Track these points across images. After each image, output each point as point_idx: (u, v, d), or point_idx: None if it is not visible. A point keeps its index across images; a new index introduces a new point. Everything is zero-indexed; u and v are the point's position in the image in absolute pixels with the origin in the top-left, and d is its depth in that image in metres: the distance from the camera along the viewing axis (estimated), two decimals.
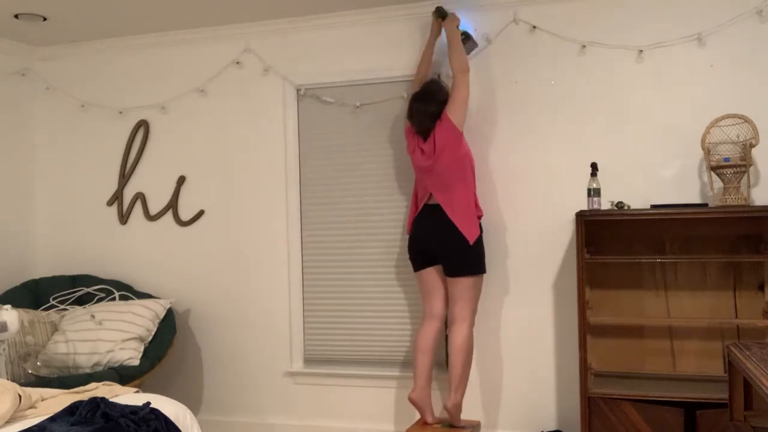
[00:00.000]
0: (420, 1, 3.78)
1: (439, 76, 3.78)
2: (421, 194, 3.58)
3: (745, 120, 3.29)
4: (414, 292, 3.88)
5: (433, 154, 3.43)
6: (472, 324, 3.48)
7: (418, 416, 3.86)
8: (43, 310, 4.05)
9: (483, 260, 3.50)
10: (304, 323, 4.08)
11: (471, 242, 3.40)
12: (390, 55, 3.92)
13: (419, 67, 3.76)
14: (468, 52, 3.63)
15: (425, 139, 3.48)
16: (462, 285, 3.43)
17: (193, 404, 4.27)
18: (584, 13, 3.62)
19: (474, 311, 3.51)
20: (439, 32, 3.71)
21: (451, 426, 3.48)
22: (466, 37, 3.63)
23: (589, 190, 3.31)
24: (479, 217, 3.52)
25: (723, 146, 3.31)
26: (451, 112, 3.43)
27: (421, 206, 3.54)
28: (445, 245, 3.42)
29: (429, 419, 3.51)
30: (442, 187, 3.44)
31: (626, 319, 3.44)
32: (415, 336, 3.59)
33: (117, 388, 2.83)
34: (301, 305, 4.08)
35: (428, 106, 3.45)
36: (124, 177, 4.42)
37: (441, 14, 3.66)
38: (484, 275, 3.57)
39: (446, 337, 3.70)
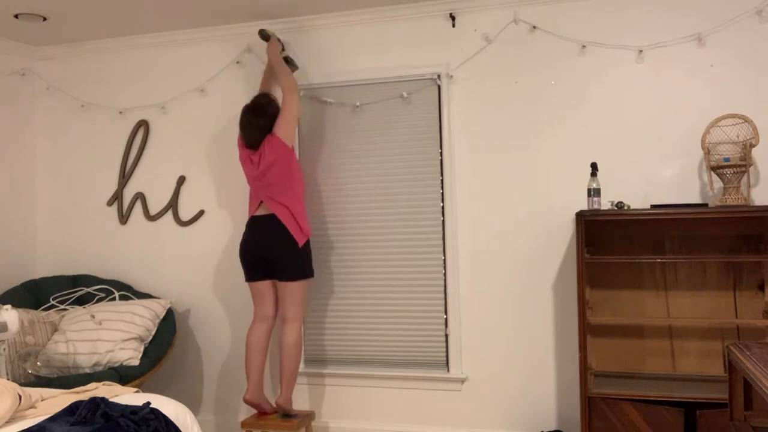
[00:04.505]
0: (421, 1, 3.78)
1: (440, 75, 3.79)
2: (253, 203, 3.73)
3: (745, 120, 3.29)
4: (413, 292, 3.88)
5: (259, 165, 3.60)
6: (301, 324, 3.73)
7: (419, 414, 3.87)
8: (43, 310, 4.05)
9: (311, 265, 3.73)
10: (304, 323, 4.08)
11: (300, 245, 3.61)
12: (390, 55, 3.92)
13: (261, 84, 3.98)
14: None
15: (255, 150, 3.64)
16: (292, 288, 3.66)
17: (193, 404, 4.28)
18: (584, 13, 3.62)
19: (303, 312, 3.77)
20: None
21: (286, 415, 3.71)
22: (288, 61, 3.84)
23: (589, 190, 3.31)
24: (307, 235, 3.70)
25: (723, 146, 3.31)
26: (279, 128, 3.61)
27: (251, 215, 3.71)
28: (275, 251, 3.60)
29: (267, 411, 3.74)
30: (272, 197, 3.62)
31: (626, 319, 3.44)
32: (247, 336, 3.75)
33: (117, 388, 2.83)
34: None
35: (257, 119, 3.61)
36: (124, 177, 4.42)
37: (263, 37, 3.85)
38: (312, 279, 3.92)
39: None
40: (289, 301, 3.66)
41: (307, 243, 3.69)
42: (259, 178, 3.62)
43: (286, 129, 3.62)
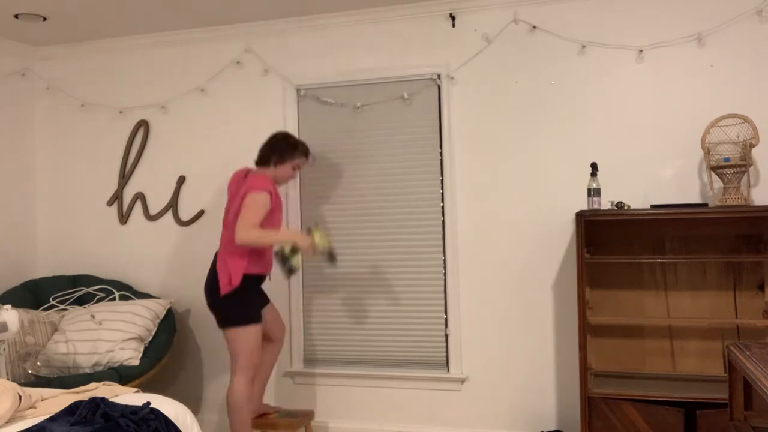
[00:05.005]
0: (421, 1, 3.78)
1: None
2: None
3: (745, 120, 3.29)
4: (413, 292, 3.88)
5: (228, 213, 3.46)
6: (246, 377, 3.34)
7: (419, 414, 3.87)
8: (43, 310, 4.05)
9: (243, 312, 3.34)
10: (303, 323, 4.08)
11: (220, 294, 3.32)
12: (390, 55, 3.92)
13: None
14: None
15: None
16: (226, 336, 3.39)
17: (193, 404, 4.27)
18: (584, 13, 3.62)
19: (249, 363, 3.34)
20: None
21: (286, 415, 3.71)
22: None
23: (589, 190, 3.31)
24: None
25: (723, 146, 3.31)
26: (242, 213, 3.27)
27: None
28: (206, 294, 3.44)
29: (269, 412, 3.73)
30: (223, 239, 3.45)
31: (626, 319, 3.44)
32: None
33: (117, 388, 2.83)
34: (301, 305, 4.08)
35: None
36: (124, 177, 4.42)
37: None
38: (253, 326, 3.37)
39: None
40: (230, 350, 3.40)
41: (236, 292, 3.32)
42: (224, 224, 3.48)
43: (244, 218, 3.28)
